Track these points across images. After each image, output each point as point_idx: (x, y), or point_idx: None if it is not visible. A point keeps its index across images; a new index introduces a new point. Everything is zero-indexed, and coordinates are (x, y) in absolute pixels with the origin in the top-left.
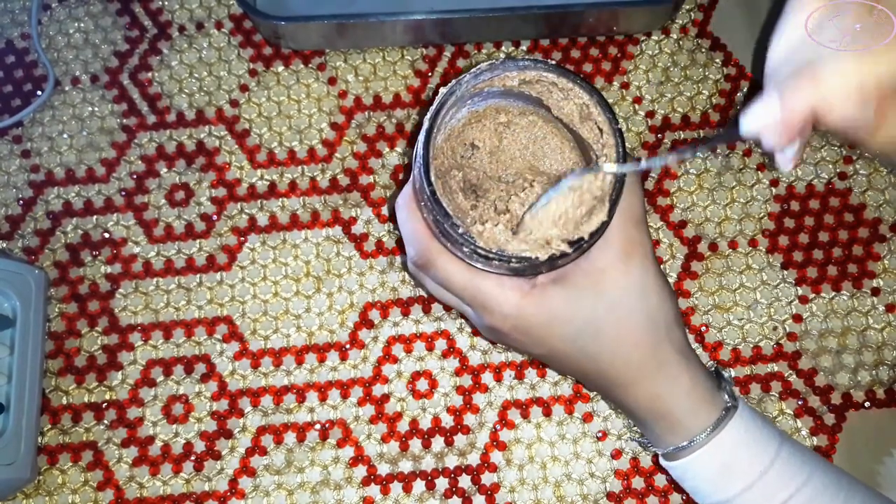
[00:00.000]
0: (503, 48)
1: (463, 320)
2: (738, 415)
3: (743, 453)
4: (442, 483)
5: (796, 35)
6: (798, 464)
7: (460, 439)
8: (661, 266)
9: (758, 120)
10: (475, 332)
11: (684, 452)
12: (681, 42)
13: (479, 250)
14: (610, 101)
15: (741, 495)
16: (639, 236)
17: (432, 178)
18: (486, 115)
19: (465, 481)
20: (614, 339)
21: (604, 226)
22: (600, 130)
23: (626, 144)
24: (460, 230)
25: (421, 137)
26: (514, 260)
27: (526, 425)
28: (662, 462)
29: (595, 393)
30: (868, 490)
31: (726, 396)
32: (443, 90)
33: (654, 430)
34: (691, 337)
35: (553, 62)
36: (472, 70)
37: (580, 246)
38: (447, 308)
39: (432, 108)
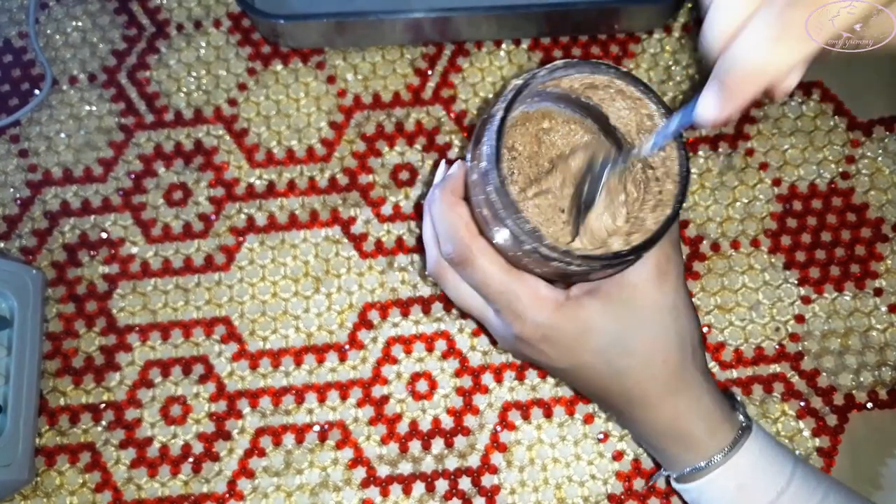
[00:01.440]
0: (503, 46)
1: (463, 321)
2: (752, 436)
3: (759, 474)
4: (442, 485)
5: (733, 15)
6: (813, 485)
7: (460, 441)
8: None
9: (712, 115)
10: (476, 333)
11: (700, 474)
12: (683, 41)
13: (543, 248)
14: None
15: None
16: (674, 256)
17: (504, 168)
18: (532, 118)
19: (465, 483)
20: (644, 355)
21: (665, 228)
22: None
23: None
24: (528, 226)
25: (493, 126)
26: (576, 261)
27: (527, 427)
28: (675, 485)
29: (610, 413)
30: None
31: (741, 417)
32: (516, 81)
33: (671, 451)
34: None
35: (625, 69)
36: (547, 66)
37: (638, 252)
38: (447, 309)
39: (505, 96)
